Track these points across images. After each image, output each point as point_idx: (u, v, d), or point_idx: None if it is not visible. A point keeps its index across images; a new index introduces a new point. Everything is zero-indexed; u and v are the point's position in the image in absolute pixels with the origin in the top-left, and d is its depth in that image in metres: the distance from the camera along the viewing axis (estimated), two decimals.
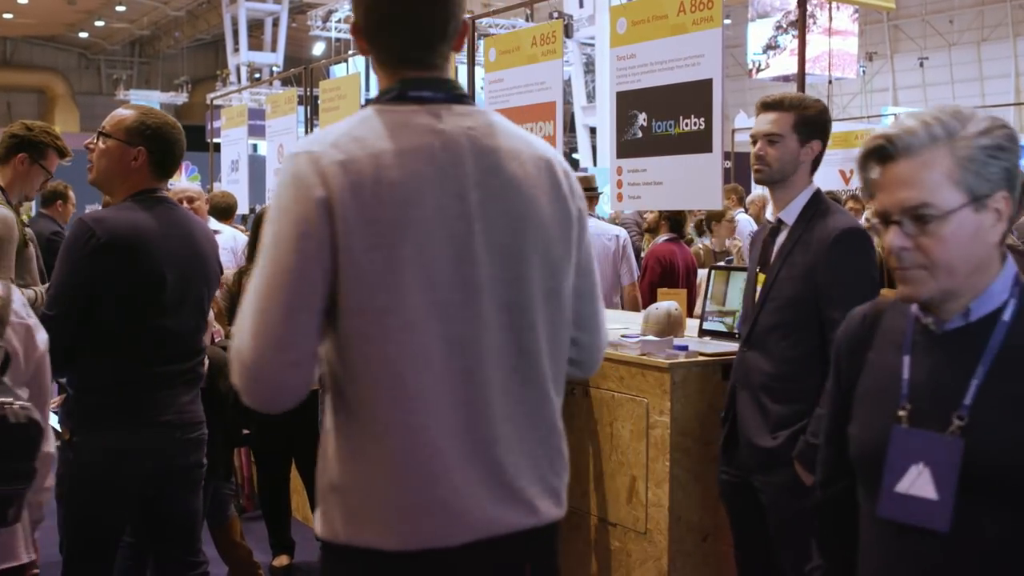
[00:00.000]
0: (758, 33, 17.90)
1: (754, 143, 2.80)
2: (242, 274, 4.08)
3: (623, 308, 5.20)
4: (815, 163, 2.80)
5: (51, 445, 2.24)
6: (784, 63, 17.08)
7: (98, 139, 2.77)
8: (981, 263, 1.41)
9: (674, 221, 5.84)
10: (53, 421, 2.67)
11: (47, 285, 3.93)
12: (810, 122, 2.76)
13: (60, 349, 2.64)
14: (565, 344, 1.67)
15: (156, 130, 2.73)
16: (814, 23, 16.73)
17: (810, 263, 2.67)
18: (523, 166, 1.61)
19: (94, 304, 2.59)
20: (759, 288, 2.82)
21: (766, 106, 2.82)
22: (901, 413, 1.44)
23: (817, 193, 2.79)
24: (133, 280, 2.62)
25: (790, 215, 2.78)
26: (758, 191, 9.57)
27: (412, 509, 1.51)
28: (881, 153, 1.41)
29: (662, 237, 5.82)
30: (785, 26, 17.18)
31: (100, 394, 2.65)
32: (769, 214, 2.91)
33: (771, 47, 17.49)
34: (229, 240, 5.72)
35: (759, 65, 17.82)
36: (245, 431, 4.06)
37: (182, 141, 2.82)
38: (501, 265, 1.56)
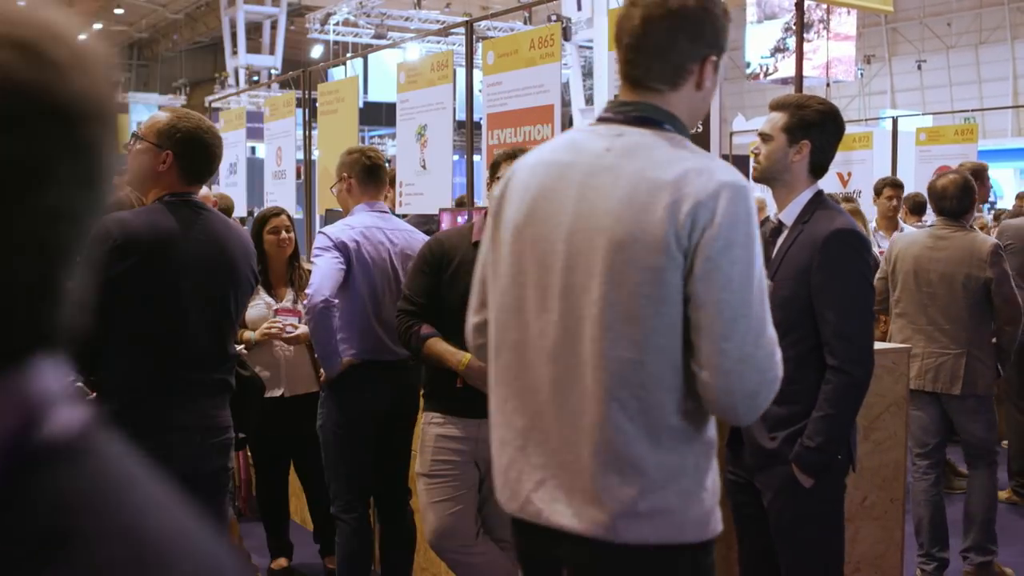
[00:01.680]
0: (759, 36, 17.88)
1: None
2: None
3: None
4: (815, 164, 2.78)
5: None
6: (793, 66, 17.02)
7: (133, 140, 2.78)
8: None
9: None
10: None
11: None
12: (804, 122, 2.74)
13: (80, 348, 2.64)
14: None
15: (185, 133, 2.70)
16: (824, 28, 16.69)
17: (804, 264, 2.67)
18: None
19: (112, 305, 2.59)
20: None
21: (770, 106, 2.85)
22: None
23: (818, 194, 2.79)
24: (148, 283, 2.61)
25: (789, 216, 2.79)
26: (756, 193, 9.58)
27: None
28: None
29: None
30: (795, 28, 17.12)
31: (117, 398, 2.64)
32: (772, 214, 2.92)
33: (779, 49, 17.35)
34: None
35: (767, 68, 17.66)
36: (241, 435, 4.07)
37: (214, 146, 2.78)
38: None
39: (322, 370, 3.70)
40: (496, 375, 1.85)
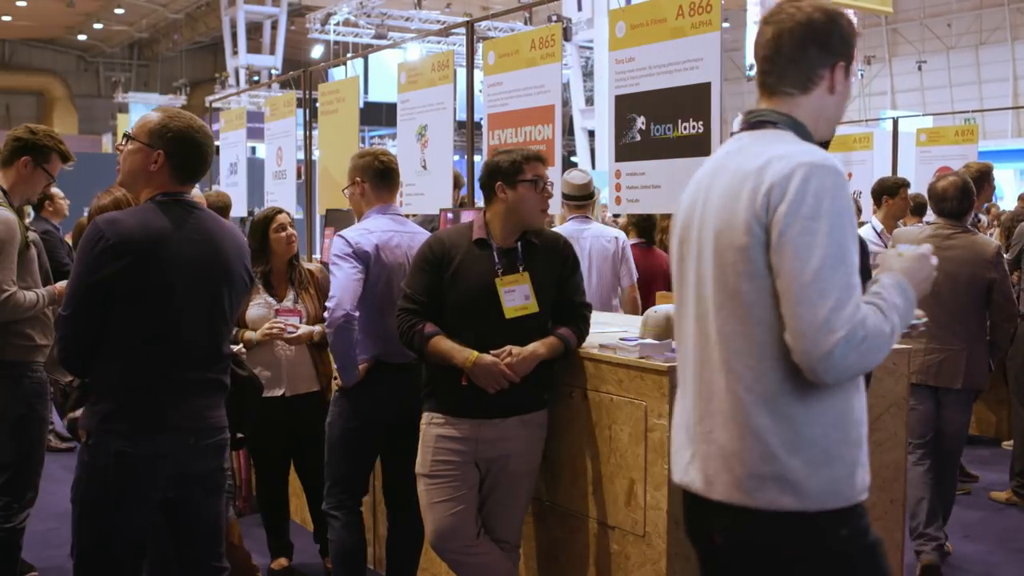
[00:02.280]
0: None
1: None
2: None
3: (622, 310, 5.21)
4: None
5: None
6: None
7: (125, 140, 2.77)
8: None
9: (642, 227, 5.84)
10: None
11: (50, 286, 3.95)
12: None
13: (76, 349, 2.64)
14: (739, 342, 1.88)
15: (177, 133, 2.71)
16: None
17: None
18: None
19: (105, 305, 2.59)
20: None
21: None
22: None
23: None
24: (141, 283, 2.60)
25: None
26: None
27: None
28: None
29: (631, 242, 5.71)
30: None
31: (112, 397, 2.65)
32: None
33: None
34: None
35: None
36: (240, 435, 4.07)
37: (205, 145, 2.78)
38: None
39: (336, 378, 3.71)
40: (678, 368, 2.10)
